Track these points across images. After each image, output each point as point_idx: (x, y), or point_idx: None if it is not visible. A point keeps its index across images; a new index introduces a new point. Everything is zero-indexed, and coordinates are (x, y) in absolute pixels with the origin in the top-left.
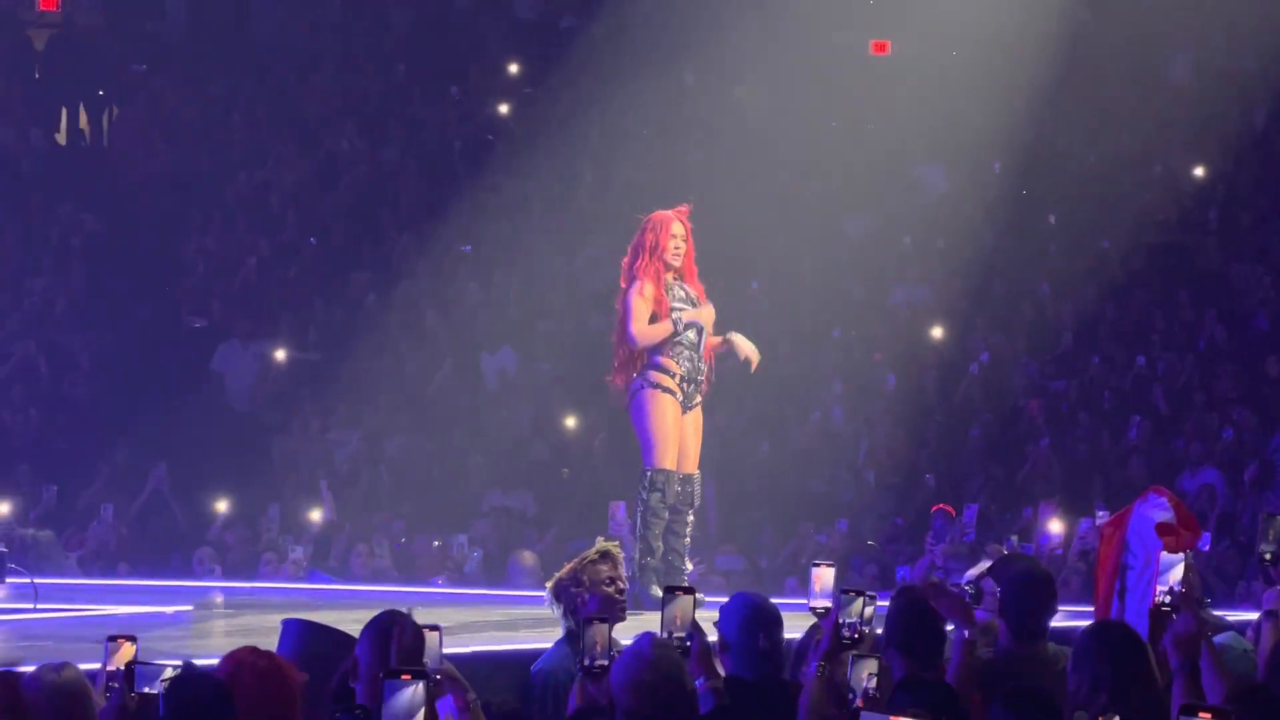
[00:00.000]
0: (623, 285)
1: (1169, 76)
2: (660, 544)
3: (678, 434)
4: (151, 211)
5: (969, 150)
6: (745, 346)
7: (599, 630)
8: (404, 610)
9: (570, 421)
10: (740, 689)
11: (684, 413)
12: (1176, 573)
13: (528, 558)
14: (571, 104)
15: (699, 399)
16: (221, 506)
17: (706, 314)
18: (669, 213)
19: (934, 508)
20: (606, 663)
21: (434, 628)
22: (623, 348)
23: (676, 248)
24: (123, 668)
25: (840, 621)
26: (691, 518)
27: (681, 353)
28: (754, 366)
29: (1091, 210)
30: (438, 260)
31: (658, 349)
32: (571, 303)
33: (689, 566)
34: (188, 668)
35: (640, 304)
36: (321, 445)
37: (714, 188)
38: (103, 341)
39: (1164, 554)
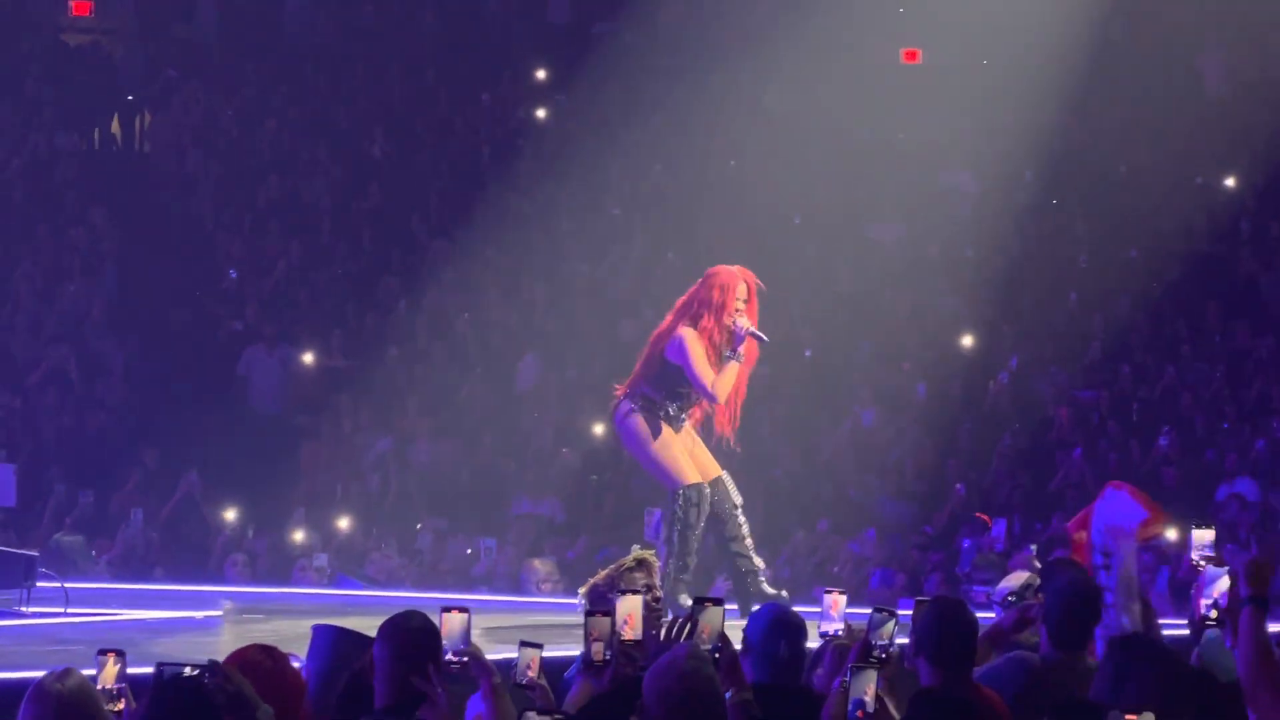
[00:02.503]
0: (674, 328)
1: (1202, 85)
2: (694, 559)
3: (682, 445)
4: (183, 216)
5: (999, 159)
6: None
7: (599, 623)
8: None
9: (598, 429)
10: (756, 693)
11: (676, 430)
12: (1221, 584)
13: (540, 565)
14: (602, 110)
15: (686, 424)
16: (231, 515)
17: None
18: (735, 271)
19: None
20: (609, 656)
21: (463, 609)
22: (634, 377)
23: (738, 309)
24: (110, 686)
25: (871, 642)
26: (743, 517)
27: (677, 399)
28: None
29: (1122, 220)
30: (468, 266)
31: (652, 384)
32: (600, 309)
33: (760, 564)
34: (163, 671)
35: (700, 351)
36: (350, 451)
37: (743, 194)
38: (135, 346)
39: (1209, 568)
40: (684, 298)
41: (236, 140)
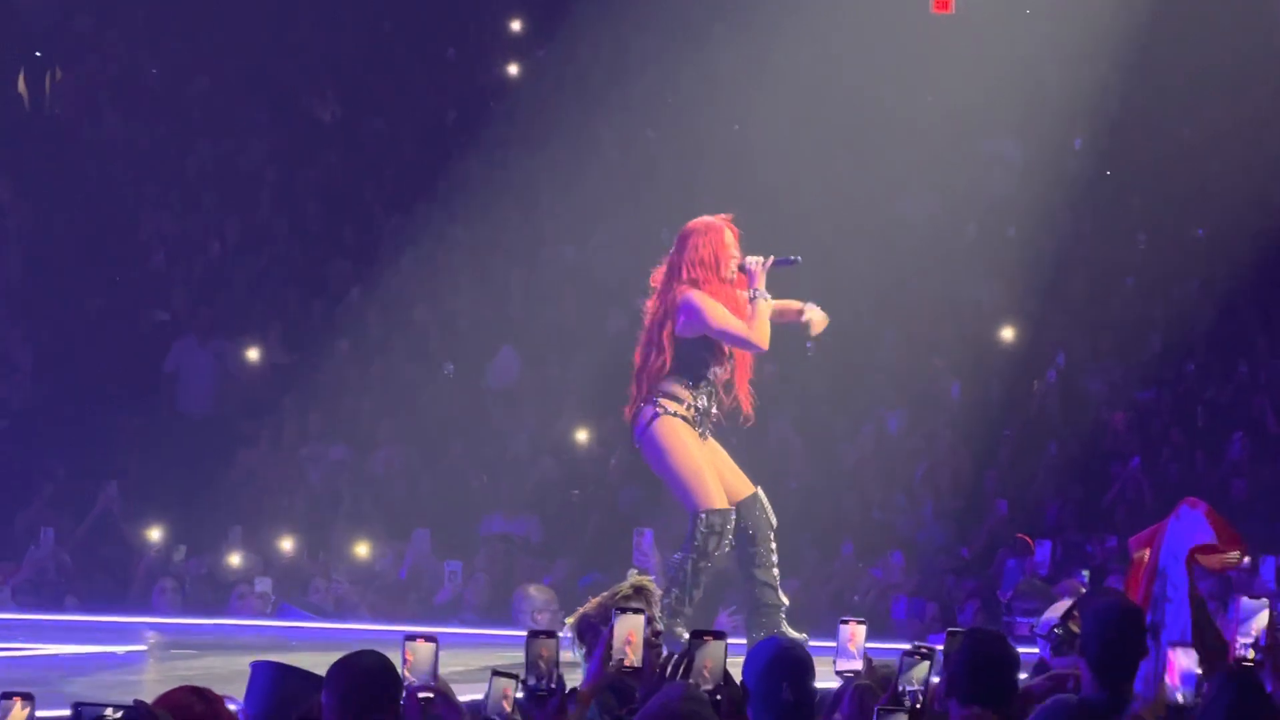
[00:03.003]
0: (659, 301)
1: (1275, 40)
2: (700, 593)
3: (710, 459)
4: (100, 188)
5: (1045, 124)
6: (817, 318)
7: (544, 645)
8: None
9: (581, 435)
10: None
11: (703, 438)
12: (1260, 620)
13: (536, 592)
14: (585, 66)
15: (709, 433)
16: (156, 534)
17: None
18: (714, 220)
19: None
20: (555, 685)
21: (430, 638)
22: (645, 378)
23: (732, 256)
24: None
25: (901, 689)
26: (774, 543)
27: (704, 389)
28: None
29: (1186, 193)
30: (431, 247)
31: (672, 376)
32: (585, 297)
33: (785, 600)
34: (81, 713)
35: (716, 304)
36: (294, 461)
37: (749, 164)
38: (43, 339)
39: (1244, 600)
40: (662, 270)
41: (161, 100)
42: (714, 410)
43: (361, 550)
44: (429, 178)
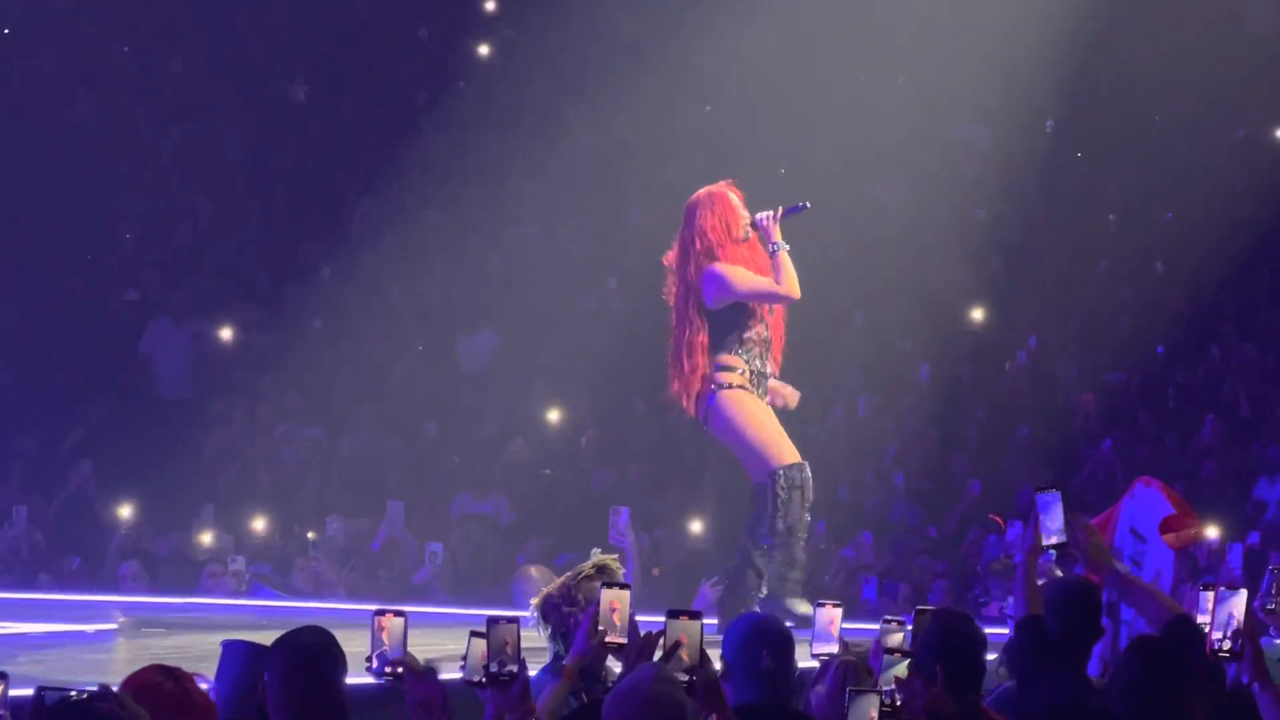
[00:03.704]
0: (679, 279)
1: (1246, 22)
2: (804, 554)
3: (777, 424)
4: (72, 169)
5: (1016, 107)
6: (787, 393)
7: (507, 630)
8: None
9: (553, 415)
10: (743, 717)
11: (763, 400)
12: (1238, 609)
13: (537, 574)
14: (558, 47)
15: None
16: (127, 513)
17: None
18: (716, 188)
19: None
20: (515, 669)
21: (400, 613)
22: (687, 357)
23: (742, 217)
24: None
25: (880, 688)
26: (808, 516)
27: (752, 349)
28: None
29: (1157, 178)
30: (403, 228)
31: (719, 348)
32: (555, 278)
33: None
34: (44, 696)
35: (739, 268)
36: (268, 441)
37: (722, 146)
38: (15, 319)
39: (1221, 589)
40: (674, 250)
41: (134, 82)
42: (768, 369)
43: (335, 527)
44: (399, 159)
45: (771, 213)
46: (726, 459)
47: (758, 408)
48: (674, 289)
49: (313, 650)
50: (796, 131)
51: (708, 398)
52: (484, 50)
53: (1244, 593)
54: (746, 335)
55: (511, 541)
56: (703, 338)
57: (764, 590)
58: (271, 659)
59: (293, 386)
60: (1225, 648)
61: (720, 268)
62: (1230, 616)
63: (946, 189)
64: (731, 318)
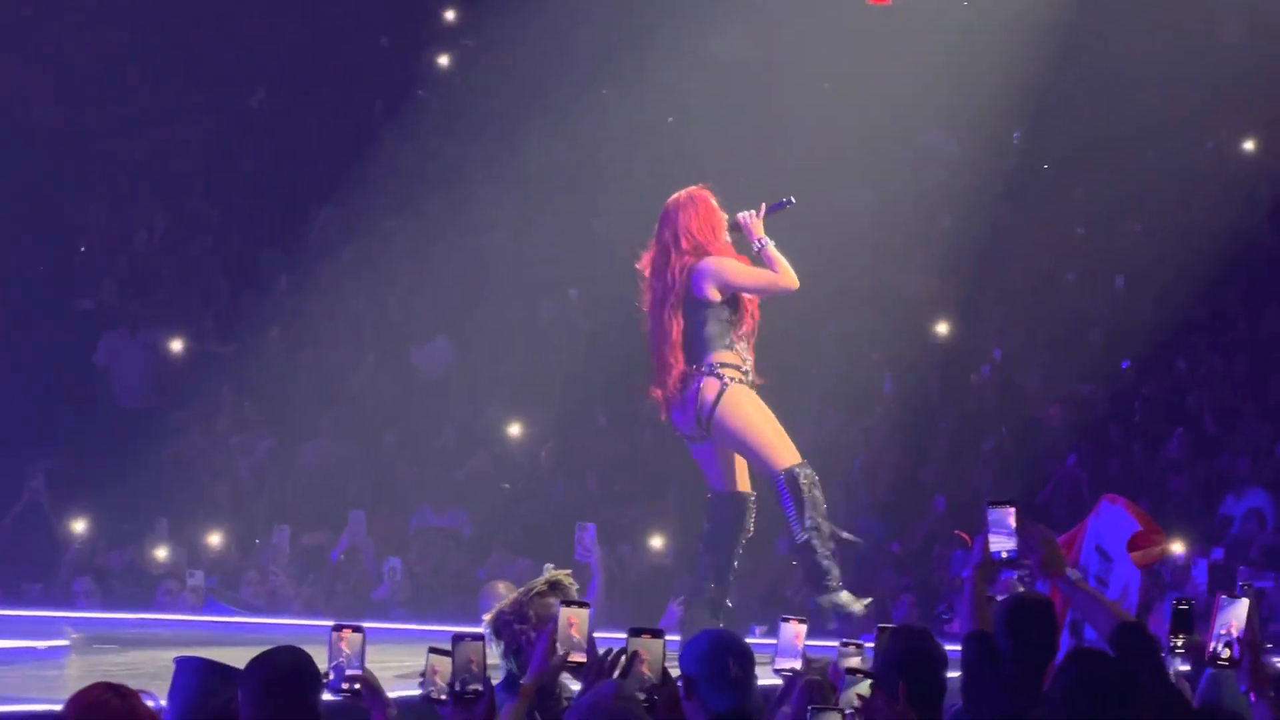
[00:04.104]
0: (657, 282)
1: (1218, 32)
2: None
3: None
4: (28, 177)
5: (983, 116)
6: None
7: (472, 648)
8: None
9: (514, 428)
10: None
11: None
12: (1237, 615)
13: (505, 589)
14: (518, 56)
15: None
16: (80, 527)
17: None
18: (695, 190)
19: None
20: (480, 687)
21: (358, 628)
22: (669, 355)
23: (723, 217)
24: None
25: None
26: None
27: (741, 345)
28: None
29: (1125, 188)
30: (362, 237)
31: (713, 345)
32: (516, 287)
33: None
34: None
35: (733, 261)
36: (224, 452)
37: (686, 155)
38: None
39: (1222, 597)
40: (650, 255)
41: (91, 89)
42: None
43: (281, 537)
44: (361, 167)
45: (754, 211)
46: (689, 472)
47: (760, 403)
48: (650, 293)
49: (289, 670)
50: (762, 139)
51: (708, 398)
52: (444, 60)
53: (1246, 601)
54: (741, 331)
55: (472, 556)
56: (677, 336)
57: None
58: (246, 678)
59: (250, 397)
60: (1224, 656)
61: (716, 261)
62: (1230, 624)
63: (912, 199)
64: (727, 314)
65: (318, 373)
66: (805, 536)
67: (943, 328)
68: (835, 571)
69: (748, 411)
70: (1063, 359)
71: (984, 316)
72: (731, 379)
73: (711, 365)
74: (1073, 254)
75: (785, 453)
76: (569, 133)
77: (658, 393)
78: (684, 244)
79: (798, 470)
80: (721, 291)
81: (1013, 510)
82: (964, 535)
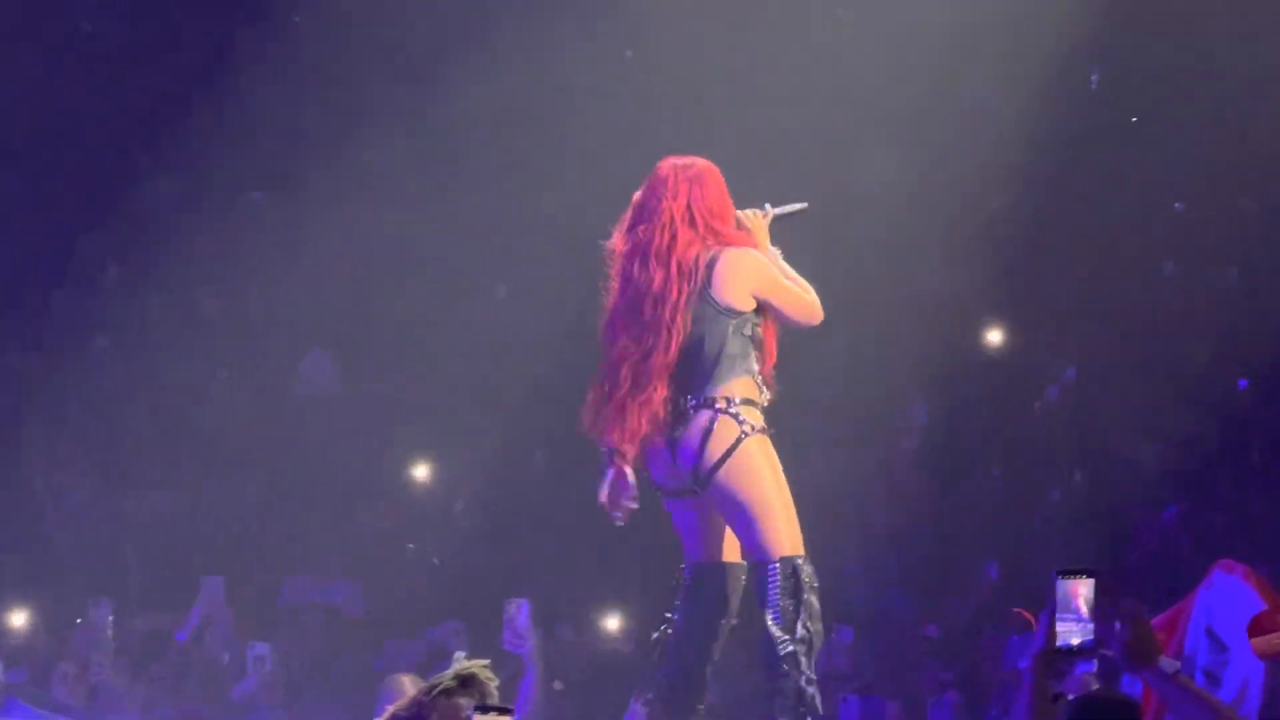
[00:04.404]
0: (660, 267)
1: None
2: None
3: None
4: None
5: (1046, 54)
6: None
7: None
8: None
9: (420, 471)
10: None
11: None
12: None
13: (410, 684)
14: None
15: None
16: None
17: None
18: (708, 164)
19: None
20: None
21: None
22: (652, 380)
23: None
24: None
25: None
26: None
27: (760, 379)
28: None
29: (1239, 150)
30: (217, 216)
31: (732, 370)
32: (427, 284)
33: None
34: None
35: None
36: (29, 501)
37: (651, 109)
38: None
39: None
40: (647, 229)
41: None
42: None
43: (103, 612)
44: (214, 124)
45: (760, 211)
46: (657, 531)
47: (779, 467)
48: (628, 286)
49: None
50: (753, 89)
51: (722, 441)
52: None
53: None
54: (760, 361)
55: (365, 641)
56: (674, 352)
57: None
58: None
59: (65, 427)
60: None
61: (750, 255)
62: None
63: (952, 172)
64: (751, 329)
65: (157, 395)
66: (792, 649)
67: (994, 338)
68: (817, 702)
69: (764, 476)
70: (1157, 378)
71: (1049, 323)
72: (753, 427)
73: (730, 401)
74: (1170, 239)
75: (790, 537)
76: (503, 76)
77: (615, 432)
78: (700, 222)
79: (800, 563)
80: (754, 296)
81: (1090, 581)
82: (1024, 614)
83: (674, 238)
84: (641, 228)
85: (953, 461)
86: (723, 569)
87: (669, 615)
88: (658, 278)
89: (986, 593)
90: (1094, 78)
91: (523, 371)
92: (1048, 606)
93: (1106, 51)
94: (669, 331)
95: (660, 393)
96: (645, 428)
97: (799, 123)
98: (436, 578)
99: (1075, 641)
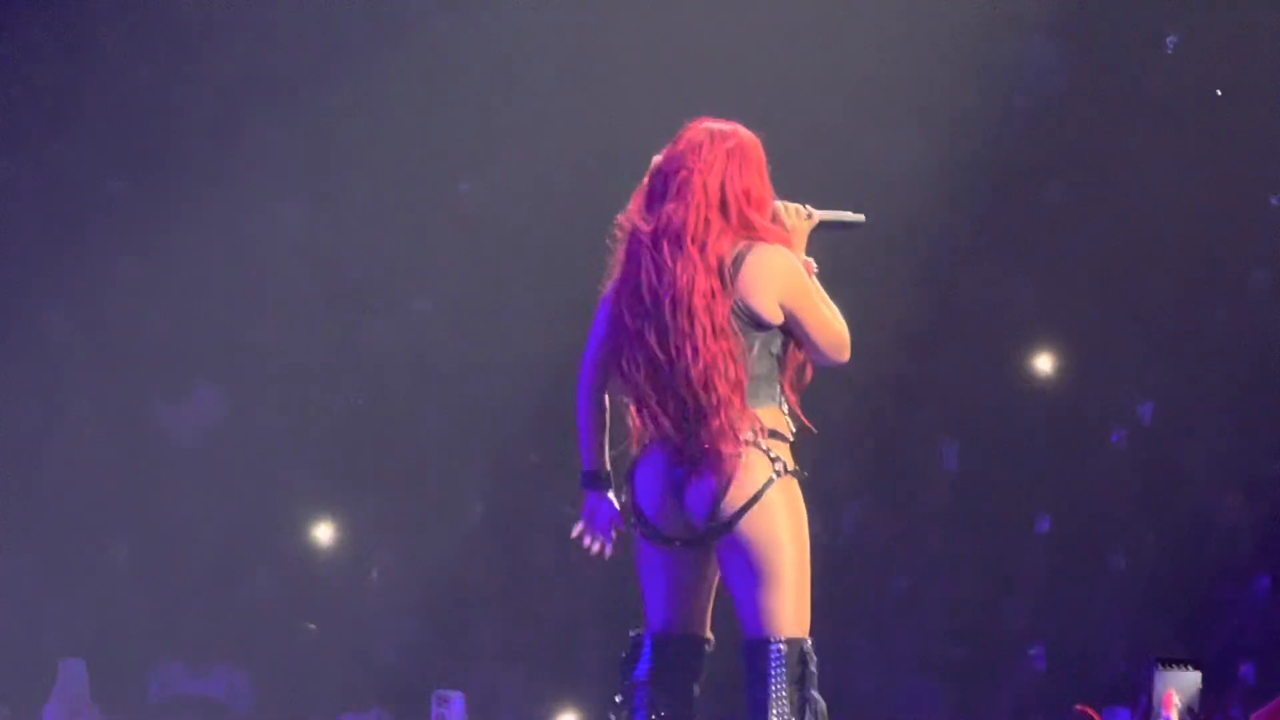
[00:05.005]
0: (687, 258)
1: None
2: None
3: None
4: None
5: (1106, 16)
6: None
7: None
8: None
9: (323, 530)
10: None
11: None
12: None
13: None
14: None
15: None
16: None
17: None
18: (751, 136)
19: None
20: None
21: None
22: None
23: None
24: None
25: None
26: None
27: (787, 410)
28: None
29: None
30: (68, 209)
31: (758, 394)
32: (334, 292)
33: None
34: None
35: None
36: None
37: (623, 67)
38: None
39: None
40: (675, 205)
41: None
42: None
43: None
44: (66, 90)
45: (802, 209)
46: (618, 599)
47: (806, 525)
48: (663, 266)
49: None
50: (749, 51)
51: (749, 485)
52: None
53: None
54: (787, 378)
55: None
56: (698, 373)
57: None
58: None
59: None
60: None
61: (787, 259)
62: None
63: (993, 153)
64: (779, 347)
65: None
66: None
67: (1044, 364)
68: None
69: (792, 530)
70: (1249, 418)
71: (1116, 348)
72: (785, 466)
73: (758, 432)
74: (1265, 239)
75: (802, 614)
76: (422, 39)
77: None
78: (730, 208)
79: (807, 647)
80: (783, 310)
81: (1197, 675)
82: (1088, 711)
83: (708, 224)
84: (671, 205)
85: (992, 517)
86: (699, 645)
87: (617, 700)
88: (689, 273)
89: (1033, 682)
90: (1170, 38)
91: (450, 398)
92: (1143, 698)
93: (1185, 5)
94: (704, 341)
95: (677, 413)
96: (653, 450)
97: (812, 88)
98: (347, 665)
99: None
